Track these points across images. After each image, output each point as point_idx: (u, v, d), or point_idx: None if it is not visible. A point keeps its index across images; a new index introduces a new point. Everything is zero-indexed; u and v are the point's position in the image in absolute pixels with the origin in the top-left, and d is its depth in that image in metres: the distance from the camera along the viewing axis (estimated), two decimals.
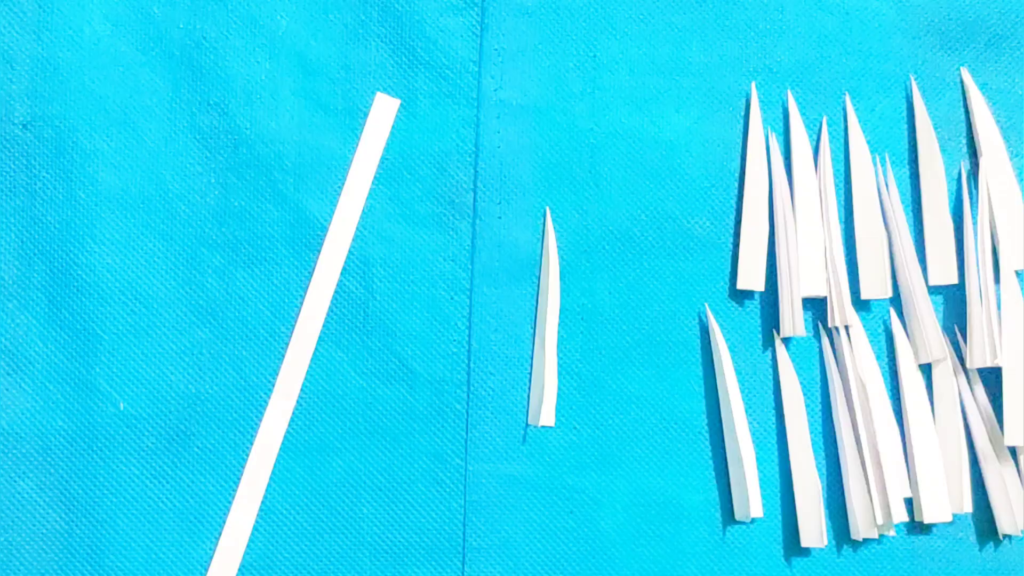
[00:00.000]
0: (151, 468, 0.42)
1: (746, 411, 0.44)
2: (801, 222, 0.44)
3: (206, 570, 0.42)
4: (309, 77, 0.44)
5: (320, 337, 0.43)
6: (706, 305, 0.45)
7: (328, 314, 0.43)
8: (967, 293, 0.44)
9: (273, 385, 0.43)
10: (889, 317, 0.45)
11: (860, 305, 0.45)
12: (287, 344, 0.43)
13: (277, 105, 0.44)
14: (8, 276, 0.43)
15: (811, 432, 0.44)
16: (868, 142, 0.45)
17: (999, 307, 0.43)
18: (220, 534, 0.42)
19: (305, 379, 0.43)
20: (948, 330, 0.45)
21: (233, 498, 0.43)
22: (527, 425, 0.43)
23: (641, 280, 0.45)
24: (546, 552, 0.43)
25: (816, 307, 0.45)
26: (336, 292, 0.43)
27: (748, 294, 0.45)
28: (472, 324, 0.44)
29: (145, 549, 0.42)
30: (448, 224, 0.44)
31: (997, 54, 0.46)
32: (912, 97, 0.46)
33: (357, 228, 0.44)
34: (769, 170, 0.45)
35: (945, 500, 0.43)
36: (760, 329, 0.45)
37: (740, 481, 0.43)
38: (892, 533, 0.44)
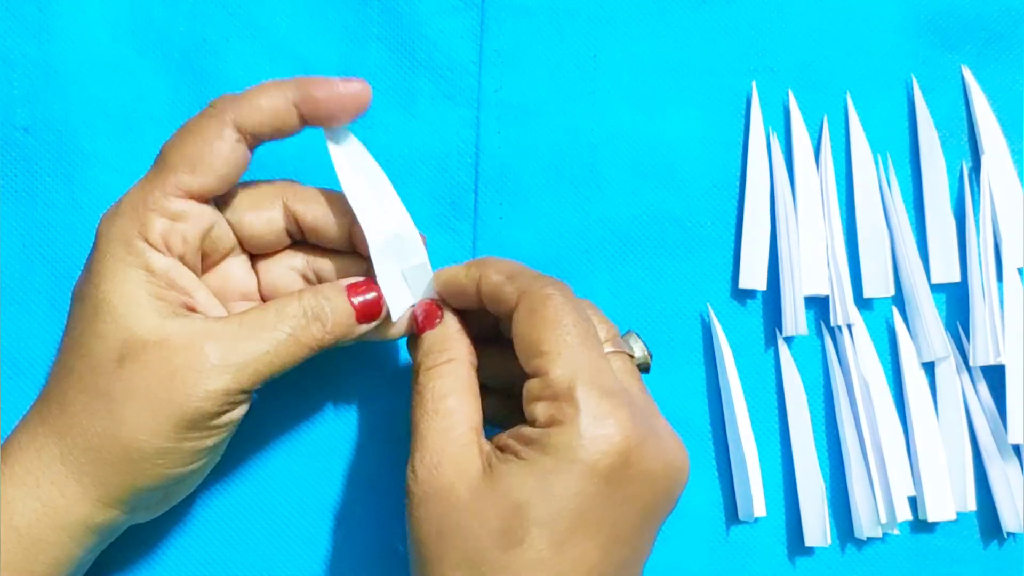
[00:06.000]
0: None
1: (749, 410, 0.44)
2: (803, 221, 0.44)
3: (208, 569, 0.42)
4: None
5: None
6: (708, 305, 0.45)
7: None
8: (970, 291, 0.44)
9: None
10: (892, 315, 0.45)
11: (862, 304, 0.45)
12: None
13: None
14: (10, 279, 0.43)
15: (814, 431, 0.44)
16: (869, 140, 0.45)
17: (1002, 304, 0.43)
18: (220, 534, 0.42)
19: (305, 379, 0.43)
20: (951, 328, 0.45)
21: (232, 496, 0.43)
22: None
23: (642, 280, 0.45)
24: None
25: (818, 306, 0.45)
26: None
27: (750, 293, 0.45)
28: None
29: (144, 548, 0.42)
30: (449, 225, 0.44)
31: (998, 52, 0.46)
32: (913, 95, 0.46)
33: None
34: (770, 169, 0.45)
35: (949, 498, 0.43)
36: (762, 328, 0.45)
37: (743, 481, 0.43)
38: (896, 532, 0.44)
